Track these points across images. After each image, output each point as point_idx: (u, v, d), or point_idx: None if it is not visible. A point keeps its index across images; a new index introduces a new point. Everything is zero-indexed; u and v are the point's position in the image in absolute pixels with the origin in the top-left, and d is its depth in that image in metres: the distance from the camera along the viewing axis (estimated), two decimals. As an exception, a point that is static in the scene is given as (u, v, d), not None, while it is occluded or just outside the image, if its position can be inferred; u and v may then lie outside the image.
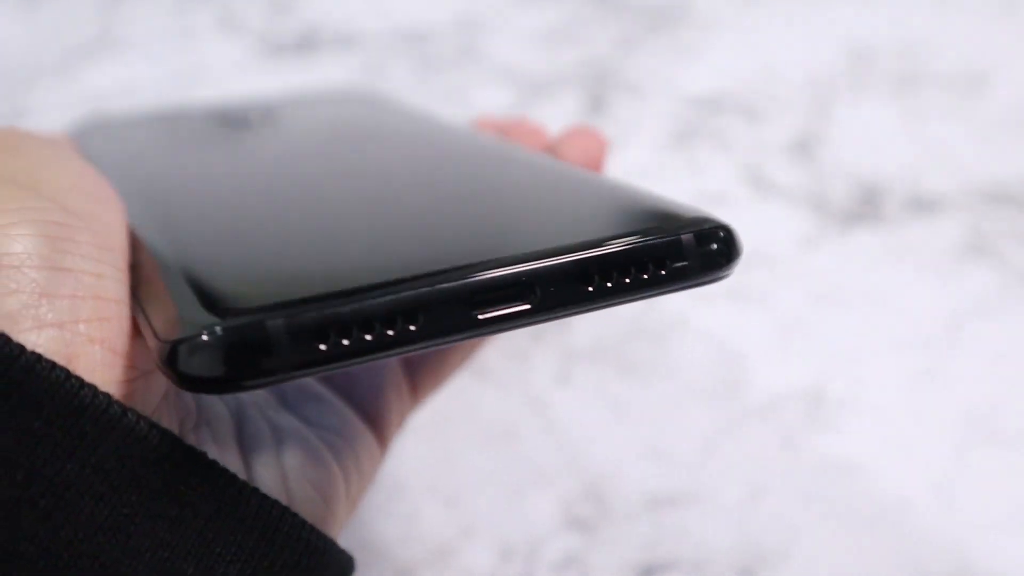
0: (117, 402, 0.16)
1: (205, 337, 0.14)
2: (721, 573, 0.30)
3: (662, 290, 0.17)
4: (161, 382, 0.17)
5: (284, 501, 0.19)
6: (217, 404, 0.19)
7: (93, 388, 0.15)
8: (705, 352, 0.37)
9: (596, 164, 0.26)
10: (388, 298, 0.15)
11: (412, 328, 0.15)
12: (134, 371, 0.17)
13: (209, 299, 0.15)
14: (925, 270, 0.40)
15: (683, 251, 0.17)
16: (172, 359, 0.15)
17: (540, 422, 0.34)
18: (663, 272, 0.17)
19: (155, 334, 0.15)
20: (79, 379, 0.15)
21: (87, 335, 0.16)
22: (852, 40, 0.55)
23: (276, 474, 0.19)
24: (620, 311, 0.38)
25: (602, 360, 0.36)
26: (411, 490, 0.32)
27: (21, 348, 0.15)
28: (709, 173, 0.46)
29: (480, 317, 0.15)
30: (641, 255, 0.17)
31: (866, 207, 0.44)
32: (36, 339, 0.16)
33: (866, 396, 0.35)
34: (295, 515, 0.18)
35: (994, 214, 0.43)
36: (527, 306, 0.16)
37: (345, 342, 0.15)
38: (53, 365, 0.15)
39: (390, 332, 0.15)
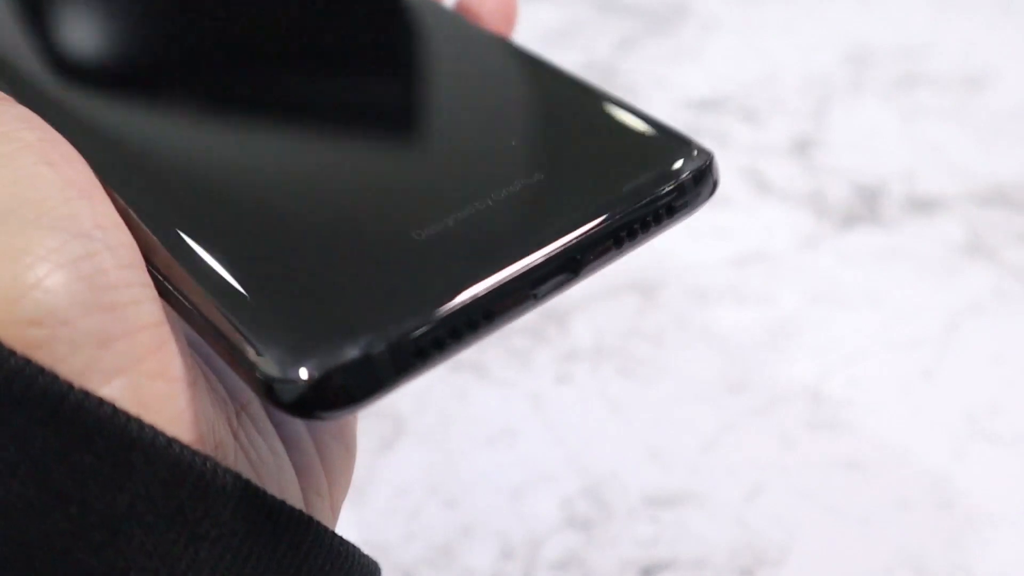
0: (162, 433, 0.16)
1: (319, 374, 0.16)
2: (721, 572, 0.30)
3: (668, 226, 0.20)
4: (204, 387, 0.18)
5: (318, 462, 0.20)
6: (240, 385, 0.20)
7: (139, 421, 0.16)
8: (704, 352, 0.37)
9: (509, 20, 0.26)
10: (469, 306, 0.17)
11: (488, 321, 0.17)
12: (188, 388, 0.17)
13: (316, 329, 0.16)
14: (923, 270, 0.41)
15: (688, 191, 0.20)
16: (295, 395, 0.16)
17: (540, 421, 0.34)
18: (672, 212, 0.19)
19: (255, 368, 0.16)
20: (125, 413, 0.16)
21: (148, 372, 0.16)
22: (850, 41, 0.55)
23: (306, 439, 0.20)
24: (619, 311, 0.38)
25: (602, 359, 0.36)
26: (412, 489, 0.32)
27: (69, 386, 0.15)
28: (708, 174, 0.46)
29: (537, 293, 0.18)
30: (656, 206, 0.19)
31: (864, 208, 0.44)
32: (110, 392, 0.16)
33: (865, 396, 0.35)
34: (319, 524, 0.18)
35: (992, 215, 0.43)
36: (571, 274, 0.18)
37: (436, 351, 0.17)
38: (100, 400, 0.15)
39: (472, 331, 0.17)
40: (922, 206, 0.44)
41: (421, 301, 0.17)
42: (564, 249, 0.18)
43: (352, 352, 0.16)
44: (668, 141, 0.20)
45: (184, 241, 0.18)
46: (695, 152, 0.20)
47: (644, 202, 0.19)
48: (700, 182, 0.20)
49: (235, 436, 0.18)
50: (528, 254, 0.18)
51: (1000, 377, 0.36)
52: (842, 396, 0.35)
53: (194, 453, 0.16)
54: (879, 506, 0.32)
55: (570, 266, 0.18)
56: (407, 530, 0.31)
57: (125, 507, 0.15)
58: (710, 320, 0.38)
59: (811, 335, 0.38)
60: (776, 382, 0.36)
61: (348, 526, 0.30)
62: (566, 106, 0.22)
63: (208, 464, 0.16)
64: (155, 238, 0.18)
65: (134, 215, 0.18)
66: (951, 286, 0.40)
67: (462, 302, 0.17)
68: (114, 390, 0.16)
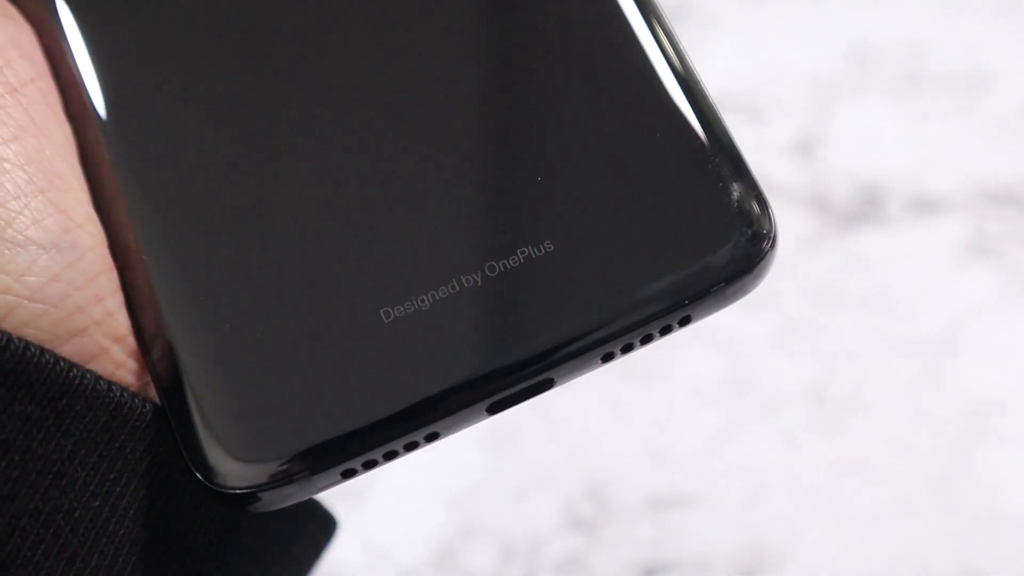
0: (103, 379, 0.16)
1: (250, 490, 0.15)
2: (723, 573, 0.30)
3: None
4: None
5: None
6: None
7: (80, 368, 0.16)
8: (707, 352, 0.37)
9: None
10: (407, 438, 0.16)
11: (430, 441, 0.16)
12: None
13: (250, 435, 0.16)
14: (927, 270, 0.40)
15: (712, 295, 0.16)
16: (225, 497, 0.16)
17: (542, 422, 0.34)
18: (686, 323, 0.16)
19: (198, 463, 0.16)
20: (67, 361, 0.16)
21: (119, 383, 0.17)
22: (854, 40, 0.55)
23: None
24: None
25: (604, 360, 0.36)
26: (413, 490, 0.32)
27: (8, 336, 0.15)
28: (711, 173, 0.46)
29: (492, 413, 0.16)
30: (667, 322, 0.16)
31: (868, 207, 0.44)
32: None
33: (868, 396, 0.35)
34: None
35: (996, 215, 0.43)
36: (541, 391, 0.16)
37: (362, 470, 0.16)
38: (42, 350, 0.15)
39: (410, 450, 0.16)
40: (926, 206, 0.44)
41: (361, 421, 0.15)
42: (538, 381, 0.16)
43: (281, 470, 0.15)
44: (713, 221, 0.15)
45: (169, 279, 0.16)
46: (741, 247, 0.15)
47: (654, 318, 0.16)
48: (735, 289, 0.16)
49: None
50: (496, 384, 0.15)
51: (1005, 378, 0.36)
52: (845, 397, 0.35)
53: (133, 395, 0.16)
54: (883, 508, 0.31)
55: (541, 388, 0.16)
56: (408, 531, 0.31)
57: (68, 451, 0.16)
58: (712, 321, 0.38)
59: (814, 336, 0.38)
60: (779, 383, 0.36)
61: (350, 528, 0.30)
62: (599, 131, 0.16)
63: (148, 405, 0.16)
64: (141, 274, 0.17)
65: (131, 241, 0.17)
66: (956, 286, 0.40)
67: (404, 430, 0.16)
68: None
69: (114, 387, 0.16)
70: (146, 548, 0.16)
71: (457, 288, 0.16)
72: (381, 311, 0.16)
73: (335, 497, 0.30)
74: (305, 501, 0.17)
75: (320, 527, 0.20)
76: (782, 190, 0.44)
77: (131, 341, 0.17)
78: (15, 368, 0.15)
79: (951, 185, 0.45)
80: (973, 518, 0.31)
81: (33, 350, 0.15)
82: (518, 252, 0.16)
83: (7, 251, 0.15)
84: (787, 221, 0.43)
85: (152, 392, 0.17)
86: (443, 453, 0.33)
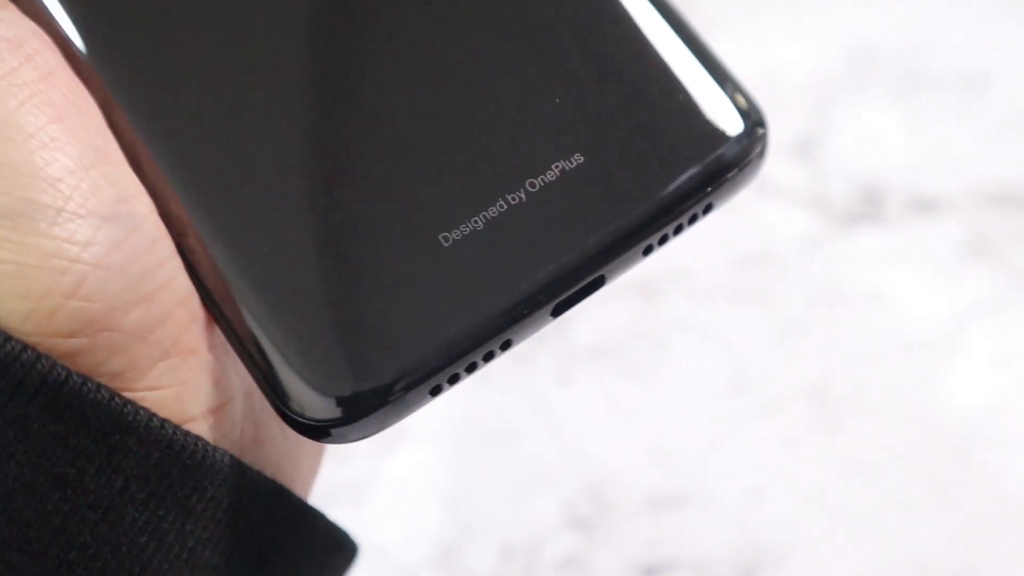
0: (156, 416, 0.16)
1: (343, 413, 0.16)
2: (722, 573, 0.30)
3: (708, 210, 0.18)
4: (222, 342, 0.18)
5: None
6: None
7: (134, 405, 0.16)
8: (707, 352, 0.37)
9: None
10: (485, 347, 0.17)
11: (504, 350, 0.17)
12: (215, 351, 0.17)
13: (348, 362, 0.17)
14: (927, 271, 0.40)
15: (728, 189, 0.18)
16: (318, 430, 0.17)
17: (542, 422, 0.34)
18: (709, 211, 0.18)
19: (281, 395, 0.17)
20: (122, 397, 0.16)
21: (184, 350, 0.17)
22: (853, 40, 0.55)
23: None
24: (620, 312, 0.38)
25: (604, 360, 0.36)
26: (413, 490, 0.32)
27: (68, 372, 0.15)
28: (711, 173, 0.46)
29: (555, 315, 0.18)
30: (694, 210, 0.18)
31: (868, 207, 0.44)
32: (149, 382, 0.16)
33: (868, 396, 0.35)
34: (290, 493, 0.18)
35: (996, 215, 0.43)
36: (594, 290, 0.18)
37: (447, 385, 0.17)
38: (99, 386, 0.16)
39: (487, 362, 0.17)
40: (926, 206, 0.44)
41: (442, 338, 0.17)
42: (593, 279, 0.17)
43: (376, 394, 0.16)
44: (719, 119, 0.18)
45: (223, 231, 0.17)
46: (745, 138, 0.18)
47: (684, 208, 0.18)
48: (745, 174, 0.18)
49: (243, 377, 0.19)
50: (558, 286, 0.17)
51: (1005, 378, 0.36)
52: (845, 397, 0.35)
53: (185, 434, 0.16)
54: (883, 508, 0.31)
55: (595, 286, 0.18)
56: (408, 531, 0.31)
57: (119, 487, 0.16)
58: (712, 321, 0.38)
59: (814, 336, 0.38)
60: (779, 383, 0.36)
61: (350, 528, 0.30)
62: (612, 55, 0.19)
63: (199, 444, 0.17)
64: (188, 224, 0.17)
65: (163, 189, 0.17)
66: (956, 287, 0.40)
67: (481, 340, 0.17)
68: (154, 379, 0.16)
69: (167, 424, 0.16)
70: None
71: (505, 206, 0.17)
72: (440, 236, 0.17)
73: (335, 497, 0.30)
74: (337, 532, 0.19)
75: (348, 559, 0.21)
76: (782, 190, 0.44)
77: (192, 304, 0.17)
78: (72, 403, 0.15)
79: (951, 185, 0.45)
80: (973, 518, 0.31)
81: (90, 385, 0.16)
82: (552, 167, 0.18)
83: (71, 224, 0.16)
84: (787, 221, 0.43)
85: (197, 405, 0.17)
86: (443, 453, 0.33)
